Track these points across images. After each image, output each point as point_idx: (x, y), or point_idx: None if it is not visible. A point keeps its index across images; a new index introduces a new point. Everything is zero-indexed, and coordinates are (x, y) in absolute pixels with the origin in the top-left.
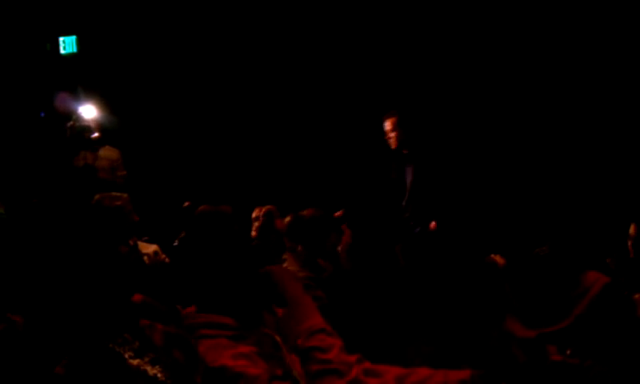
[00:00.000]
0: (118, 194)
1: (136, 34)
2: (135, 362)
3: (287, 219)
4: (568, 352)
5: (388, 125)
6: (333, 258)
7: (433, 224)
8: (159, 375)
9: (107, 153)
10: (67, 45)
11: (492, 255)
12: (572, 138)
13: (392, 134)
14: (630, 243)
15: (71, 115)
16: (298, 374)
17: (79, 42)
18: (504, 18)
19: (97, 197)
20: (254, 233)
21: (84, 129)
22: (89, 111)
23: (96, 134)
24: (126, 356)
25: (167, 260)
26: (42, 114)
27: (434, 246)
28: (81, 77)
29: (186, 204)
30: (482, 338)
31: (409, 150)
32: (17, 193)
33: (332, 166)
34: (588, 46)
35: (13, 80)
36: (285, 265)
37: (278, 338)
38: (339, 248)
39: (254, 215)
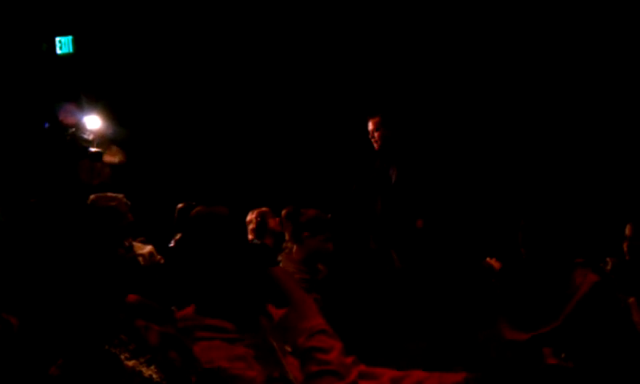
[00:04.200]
0: (114, 194)
1: (132, 33)
2: (131, 363)
3: (284, 213)
4: (562, 355)
5: (371, 125)
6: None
7: (419, 222)
8: (155, 376)
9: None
10: (64, 45)
11: (488, 259)
12: (567, 137)
13: (375, 134)
14: (625, 245)
15: (75, 126)
16: (293, 377)
17: (75, 42)
18: (487, 20)
19: (92, 197)
20: (250, 235)
21: (84, 141)
22: (93, 122)
23: (95, 149)
24: (122, 357)
25: (162, 261)
26: (46, 125)
27: (428, 249)
28: (78, 77)
29: (180, 206)
30: (477, 341)
31: (392, 150)
32: (14, 194)
33: (322, 168)
34: (573, 42)
35: (9, 80)
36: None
37: (273, 343)
38: None
39: (248, 218)
